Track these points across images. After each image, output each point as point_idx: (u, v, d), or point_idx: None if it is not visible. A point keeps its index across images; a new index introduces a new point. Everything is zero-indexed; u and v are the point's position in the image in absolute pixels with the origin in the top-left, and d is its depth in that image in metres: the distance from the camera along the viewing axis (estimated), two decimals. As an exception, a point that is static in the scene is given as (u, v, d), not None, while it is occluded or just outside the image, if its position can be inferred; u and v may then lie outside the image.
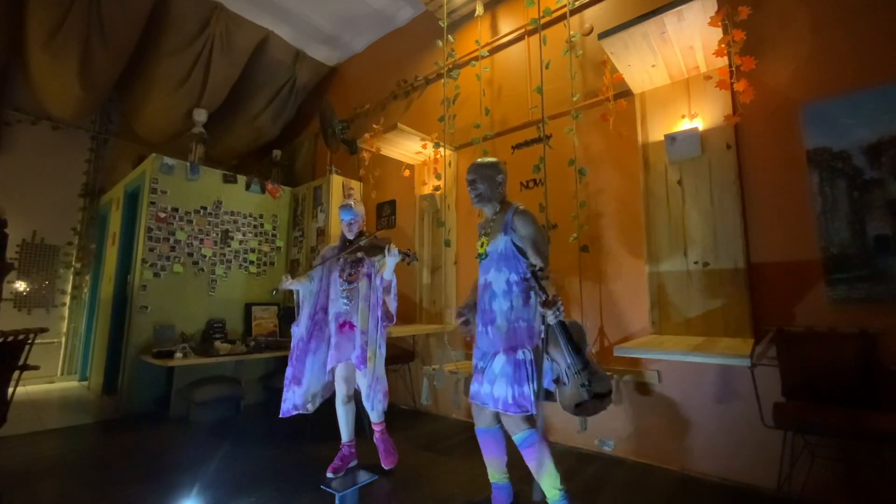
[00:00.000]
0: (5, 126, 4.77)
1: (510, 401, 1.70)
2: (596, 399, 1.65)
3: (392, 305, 2.47)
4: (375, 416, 2.48)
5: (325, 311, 2.52)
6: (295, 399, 2.39)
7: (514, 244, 1.83)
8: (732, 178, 2.40)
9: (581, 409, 1.66)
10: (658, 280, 2.59)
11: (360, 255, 2.46)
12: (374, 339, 2.39)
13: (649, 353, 2.14)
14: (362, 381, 2.39)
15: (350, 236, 2.52)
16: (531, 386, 1.71)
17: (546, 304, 1.62)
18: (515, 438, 1.73)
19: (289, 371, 2.44)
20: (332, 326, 2.43)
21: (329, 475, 2.31)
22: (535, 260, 1.79)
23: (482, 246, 1.94)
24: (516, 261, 1.82)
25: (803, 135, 2.23)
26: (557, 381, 1.73)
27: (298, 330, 2.51)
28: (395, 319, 2.49)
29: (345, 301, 2.42)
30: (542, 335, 1.74)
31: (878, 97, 2.04)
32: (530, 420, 1.72)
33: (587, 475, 2.40)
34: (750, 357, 1.77)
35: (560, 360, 1.70)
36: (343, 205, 2.52)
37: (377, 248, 2.42)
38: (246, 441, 2.98)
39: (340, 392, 2.43)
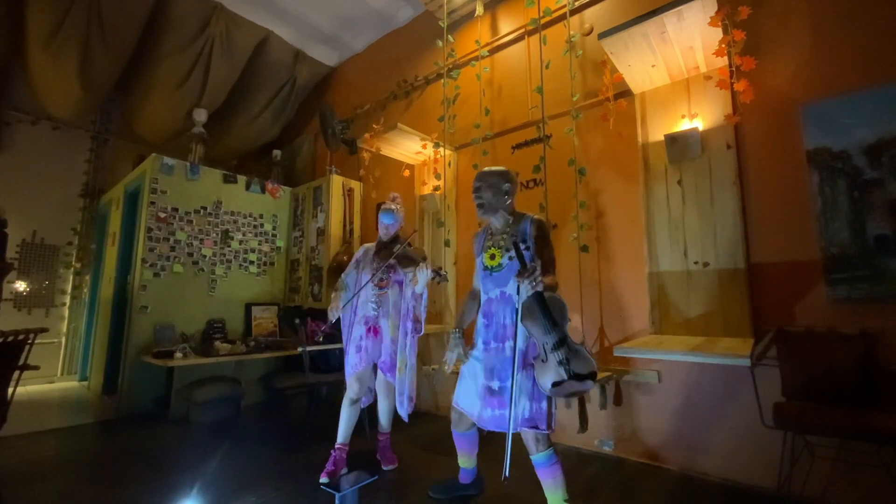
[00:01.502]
0: (5, 126, 4.77)
1: (527, 415, 1.68)
2: (574, 379, 1.53)
3: (422, 316, 2.52)
4: (386, 424, 2.55)
5: (355, 311, 2.53)
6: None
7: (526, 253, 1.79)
8: (732, 178, 2.40)
9: (558, 388, 1.54)
10: (658, 280, 2.59)
11: (392, 262, 2.44)
12: (403, 349, 2.43)
13: (649, 353, 2.14)
14: (382, 388, 2.51)
15: (385, 239, 2.55)
16: (548, 402, 1.70)
17: (520, 273, 1.53)
18: (536, 457, 1.70)
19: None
20: (362, 329, 2.46)
21: (323, 480, 2.27)
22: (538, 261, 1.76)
23: (493, 259, 1.87)
24: None
25: (803, 135, 2.23)
26: (537, 357, 1.64)
27: (345, 334, 2.55)
28: (423, 330, 2.53)
29: (373, 305, 2.45)
30: (517, 307, 1.64)
31: (878, 97, 2.04)
32: (550, 438, 1.72)
33: (587, 475, 2.40)
34: (750, 357, 1.77)
35: (537, 335, 1.60)
36: (385, 207, 2.54)
37: (410, 260, 2.41)
38: (246, 441, 2.98)
39: (351, 393, 2.42)
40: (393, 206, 2.55)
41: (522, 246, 1.80)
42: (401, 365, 2.42)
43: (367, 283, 2.47)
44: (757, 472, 2.18)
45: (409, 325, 2.49)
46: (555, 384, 1.55)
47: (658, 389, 2.57)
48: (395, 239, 2.56)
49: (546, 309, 1.57)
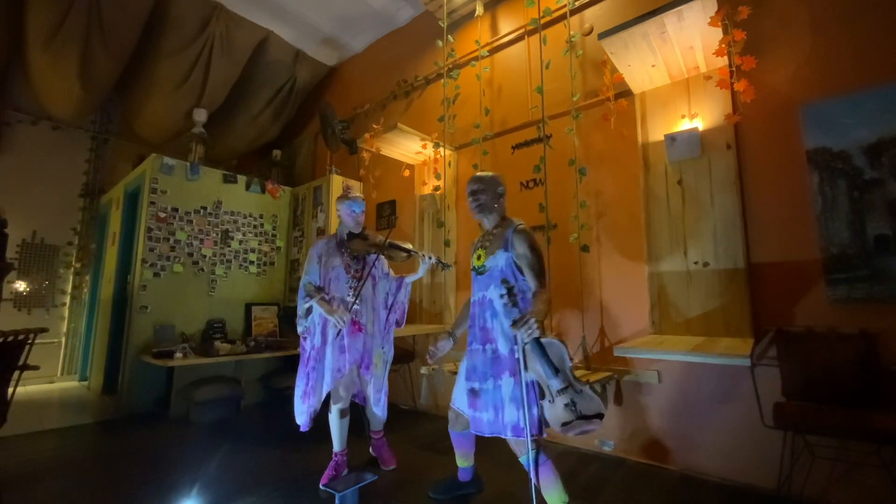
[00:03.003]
0: (5, 126, 4.76)
1: (518, 423, 1.70)
2: (582, 419, 1.59)
3: (406, 307, 2.50)
4: (378, 423, 2.48)
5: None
6: (315, 407, 2.29)
7: (514, 262, 1.83)
8: (732, 178, 2.40)
9: (567, 427, 1.60)
10: (658, 280, 2.59)
11: (363, 251, 2.36)
12: (379, 343, 2.39)
13: (649, 353, 2.14)
14: (369, 386, 2.40)
15: (357, 230, 2.41)
16: (537, 408, 1.72)
17: (515, 323, 1.57)
18: (523, 459, 1.72)
19: (303, 384, 2.30)
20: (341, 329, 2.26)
21: (322, 486, 2.22)
22: (532, 281, 1.78)
23: (479, 259, 1.91)
24: (515, 279, 1.82)
25: (803, 135, 2.23)
26: (543, 397, 1.68)
27: (313, 339, 2.32)
28: (404, 323, 2.51)
29: (346, 311, 2.23)
30: (518, 355, 1.68)
31: (878, 97, 2.04)
32: (536, 440, 1.72)
33: (587, 475, 2.40)
34: (750, 357, 1.77)
35: (542, 380, 1.65)
36: (355, 196, 2.40)
37: (400, 249, 2.37)
38: (246, 441, 2.98)
39: (339, 403, 2.27)
40: (361, 195, 2.46)
41: (506, 255, 1.82)
42: (378, 361, 2.36)
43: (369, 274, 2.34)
44: (757, 472, 2.18)
45: (393, 317, 2.44)
46: (564, 424, 1.60)
47: (658, 389, 2.57)
48: (363, 228, 2.45)
49: (545, 356, 1.60)
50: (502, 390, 1.76)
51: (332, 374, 2.23)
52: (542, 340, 1.60)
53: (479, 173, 2.01)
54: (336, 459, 2.32)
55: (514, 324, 1.57)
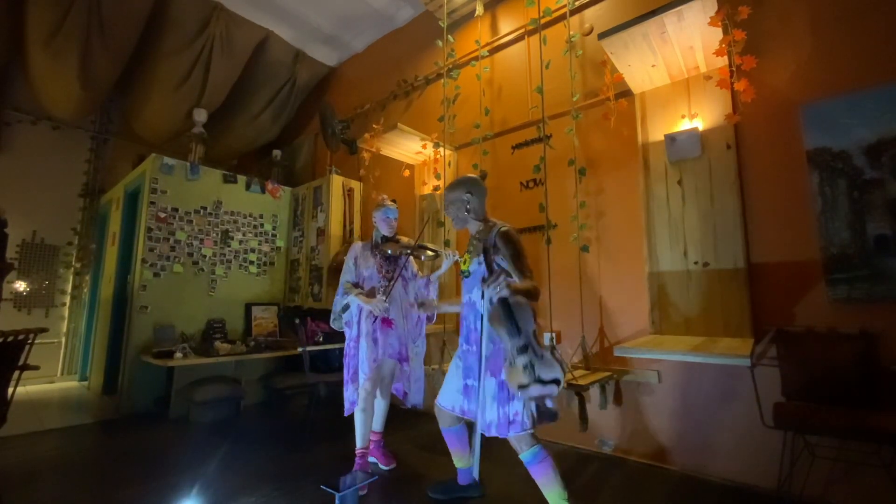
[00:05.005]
0: (5, 126, 4.77)
1: (505, 422, 1.73)
2: (539, 383, 1.59)
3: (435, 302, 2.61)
4: (380, 423, 2.56)
5: (361, 306, 2.52)
6: (353, 396, 2.42)
7: (497, 264, 1.83)
8: (732, 178, 2.40)
9: (524, 391, 1.61)
10: (658, 280, 2.59)
11: (395, 252, 2.53)
12: (413, 336, 2.55)
13: (649, 353, 2.14)
14: (383, 385, 2.52)
15: (391, 234, 2.59)
16: (518, 404, 1.73)
17: (485, 281, 1.60)
18: (523, 457, 1.74)
19: (345, 372, 2.48)
20: (372, 323, 2.44)
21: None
22: (515, 275, 1.77)
23: (465, 263, 1.96)
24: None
25: (803, 135, 2.23)
26: (506, 361, 1.71)
27: (351, 332, 2.51)
28: (435, 318, 2.64)
29: (383, 297, 2.42)
30: (482, 311, 1.77)
31: (878, 97, 2.04)
32: (535, 436, 1.74)
33: (587, 475, 2.40)
34: (750, 357, 1.77)
35: (504, 340, 1.67)
36: (389, 204, 2.61)
37: (426, 249, 2.52)
38: (246, 441, 2.98)
39: (365, 394, 2.35)
40: (394, 203, 2.64)
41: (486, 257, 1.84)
42: (413, 355, 2.52)
43: (399, 272, 2.52)
44: (757, 472, 2.18)
45: (424, 313, 2.58)
46: (521, 387, 1.61)
47: (658, 389, 2.57)
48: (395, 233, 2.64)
49: (510, 314, 1.63)
50: (485, 389, 1.81)
51: (370, 364, 2.35)
52: (510, 300, 1.62)
53: (451, 182, 2.07)
54: (360, 462, 2.35)
55: (484, 281, 1.60)
